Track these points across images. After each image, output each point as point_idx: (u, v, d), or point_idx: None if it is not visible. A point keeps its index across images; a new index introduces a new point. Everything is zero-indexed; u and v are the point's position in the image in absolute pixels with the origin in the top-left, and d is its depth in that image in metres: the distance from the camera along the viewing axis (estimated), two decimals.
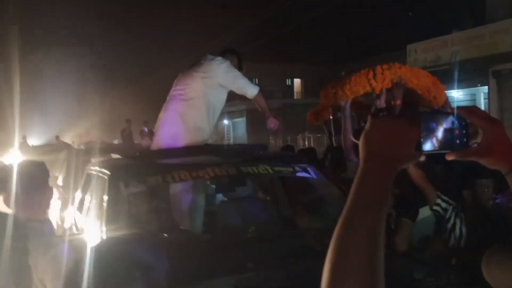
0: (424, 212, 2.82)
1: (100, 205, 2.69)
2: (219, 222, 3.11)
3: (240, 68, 3.74)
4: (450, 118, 0.95)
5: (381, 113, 2.88)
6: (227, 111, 34.36)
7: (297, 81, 38.28)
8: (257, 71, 36.43)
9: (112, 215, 2.48)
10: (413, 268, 2.45)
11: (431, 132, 0.94)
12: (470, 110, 0.95)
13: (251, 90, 3.53)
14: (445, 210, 2.64)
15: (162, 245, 2.59)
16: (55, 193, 6.66)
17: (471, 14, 17.17)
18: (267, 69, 35.28)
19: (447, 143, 0.94)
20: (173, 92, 3.41)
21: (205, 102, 3.35)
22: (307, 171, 3.06)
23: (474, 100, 19.23)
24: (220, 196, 3.39)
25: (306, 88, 37.71)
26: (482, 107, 18.57)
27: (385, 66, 3.21)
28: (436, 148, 0.94)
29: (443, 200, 2.63)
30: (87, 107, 30.93)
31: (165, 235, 2.65)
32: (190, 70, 3.45)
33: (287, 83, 38.16)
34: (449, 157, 0.92)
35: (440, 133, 0.95)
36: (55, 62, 29.57)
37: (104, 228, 2.42)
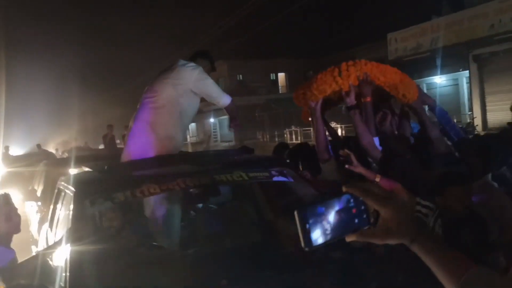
0: None
1: (66, 223, 2.55)
2: (193, 235, 2.98)
3: (213, 69, 3.62)
4: (345, 198, 0.89)
5: (352, 110, 2.75)
6: (214, 109, 34.18)
7: (281, 75, 38.15)
8: (241, 68, 36.27)
9: (76, 233, 2.33)
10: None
11: (320, 220, 0.87)
12: (364, 189, 0.92)
13: (223, 100, 3.43)
14: (426, 215, 2.54)
15: (131, 262, 2.46)
16: (34, 207, 6.50)
17: (449, 0, 17.22)
18: (251, 65, 35.13)
19: (344, 225, 0.88)
20: (143, 100, 3.27)
21: (176, 109, 3.23)
22: (284, 175, 2.95)
23: (457, 85, 19.33)
24: (195, 207, 3.27)
25: (290, 82, 37.60)
26: (465, 92, 18.68)
27: (350, 63, 3.12)
28: (329, 238, 0.87)
29: (423, 206, 2.52)
30: (70, 113, 30.60)
31: (132, 251, 2.52)
32: (160, 77, 3.32)
33: (272, 78, 38.02)
34: (349, 239, 0.91)
35: (332, 217, 0.88)
36: (36, 70, 29.13)
37: (67, 247, 2.28)
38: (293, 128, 29.14)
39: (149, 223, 2.95)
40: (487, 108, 15.67)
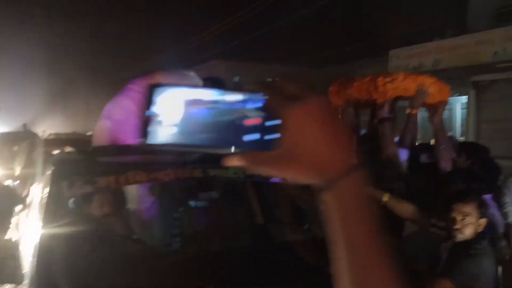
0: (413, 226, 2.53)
1: (41, 205, 2.29)
2: (180, 233, 2.74)
3: None
4: (251, 98, 0.56)
5: (384, 121, 2.42)
6: None
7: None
8: (238, 70, 36.03)
9: (49, 219, 2.08)
10: None
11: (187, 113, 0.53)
12: (273, 86, 0.56)
13: None
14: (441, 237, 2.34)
15: (108, 258, 2.21)
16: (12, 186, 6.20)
17: (452, 23, 17.24)
18: (248, 67, 34.84)
19: (225, 136, 0.54)
20: (130, 87, 3.04)
21: None
22: None
23: (451, 109, 19.35)
24: (185, 202, 3.02)
25: None
26: (458, 117, 18.69)
27: (387, 79, 3.02)
28: (184, 141, 0.53)
29: (440, 227, 2.31)
30: (63, 97, 30.02)
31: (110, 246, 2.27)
32: (159, 74, 3.09)
33: None
34: (226, 162, 0.57)
35: (209, 115, 0.54)
36: (29, 45, 28.54)
37: (38, 233, 2.03)
38: None
39: (132, 214, 2.71)
40: (482, 135, 15.65)
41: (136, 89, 3.01)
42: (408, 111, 3.14)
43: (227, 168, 2.56)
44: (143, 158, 2.63)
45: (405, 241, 2.55)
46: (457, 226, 2.09)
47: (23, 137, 10.71)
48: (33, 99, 29.00)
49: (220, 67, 33.80)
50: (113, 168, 2.40)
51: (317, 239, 2.71)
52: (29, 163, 6.38)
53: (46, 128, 25.02)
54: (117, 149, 2.79)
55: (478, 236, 2.07)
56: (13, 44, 28.38)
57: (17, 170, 6.63)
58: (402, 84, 3.01)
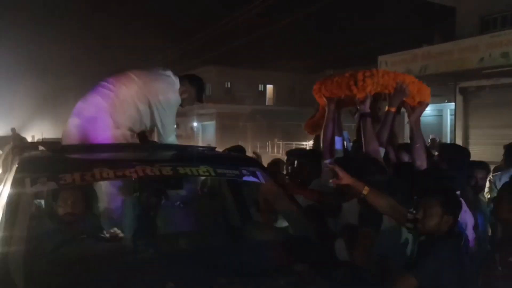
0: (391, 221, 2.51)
1: (3, 203, 2.23)
2: (147, 231, 2.69)
3: (199, 100, 3.34)
4: None
5: (364, 117, 2.57)
6: (197, 114, 33.82)
7: (269, 87, 38.10)
8: (229, 75, 36.05)
9: (10, 217, 2.03)
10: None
11: None
12: None
13: (171, 139, 3.18)
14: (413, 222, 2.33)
15: (71, 256, 2.16)
16: None
17: (441, 29, 17.40)
18: (240, 73, 34.93)
19: None
20: (102, 85, 3.01)
21: (130, 110, 3.00)
22: (255, 175, 2.68)
23: (441, 115, 19.46)
24: (153, 200, 2.97)
25: (278, 95, 37.56)
26: (448, 124, 18.80)
27: (367, 73, 3.02)
28: None
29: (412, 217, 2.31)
30: (52, 102, 29.79)
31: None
32: (133, 72, 3.08)
33: (260, 89, 37.91)
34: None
35: None
36: (18, 50, 28.37)
37: None
38: (276, 141, 28.97)
39: (98, 212, 2.66)
40: (470, 141, 15.74)
41: (107, 87, 2.97)
42: (386, 108, 3.12)
43: (197, 166, 2.52)
44: (111, 156, 2.59)
45: (381, 236, 2.53)
46: (419, 217, 2.08)
47: (9, 141, 10.61)
48: (22, 104, 28.76)
49: (213, 73, 33.84)
50: (78, 165, 2.34)
51: (292, 238, 2.68)
52: (6, 165, 6.32)
53: (35, 133, 24.79)
54: (84, 147, 2.75)
55: (446, 233, 2.06)
56: (2, 49, 28.15)
57: None
58: (382, 80, 3.00)
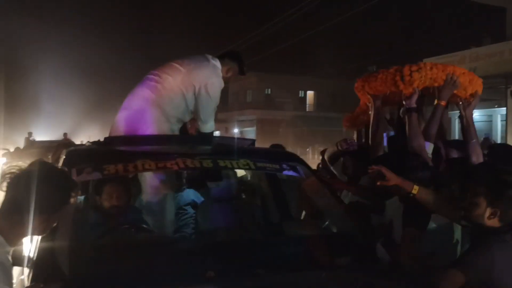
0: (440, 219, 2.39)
1: None
2: (189, 223, 2.70)
3: (241, 72, 3.36)
4: None
5: (410, 112, 2.48)
6: (237, 120, 34.13)
7: (310, 93, 37.90)
8: (269, 81, 36.18)
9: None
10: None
11: None
12: None
13: (207, 123, 3.16)
14: None
15: (114, 245, 2.20)
16: None
17: (489, 31, 16.70)
18: (280, 80, 34.99)
19: None
20: (148, 76, 3.08)
21: (177, 98, 3.04)
22: (296, 170, 2.65)
23: (491, 121, 18.62)
24: (195, 194, 2.98)
25: (318, 101, 37.28)
26: (499, 130, 17.93)
27: (414, 68, 2.86)
28: None
29: None
30: (101, 107, 30.96)
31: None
32: (177, 61, 3.12)
33: (300, 95, 37.79)
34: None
35: None
36: (70, 59, 29.71)
37: None
38: (317, 147, 28.70)
39: (140, 203, 2.70)
40: None
41: (153, 79, 3.04)
42: (435, 102, 2.95)
43: (238, 159, 2.52)
44: (153, 147, 2.63)
45: (429, 235, 2.41)
46: (465, 205, 1.96)
47: (59, 146, 11.13)
48: (74, 110, 30.03)
49: (253, 79, 34.11)
50: (121, 157, 2.40)
51: (332, 235, 2.62)
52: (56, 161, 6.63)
53: (83, 138, 25.82)
54: (127, 138, 2.80)
55: (498, 227, 1.92)
56: (56, 58, 29.58)
57: None
58: (430, 73, 2.84)
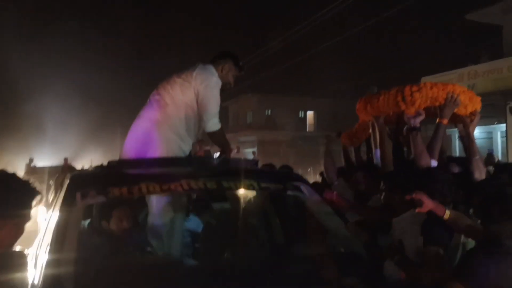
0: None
1: (54, 217, 2.30)
2: (194, 245, 2.68)
3: (239, 69, 3.37)
4: None
5: (414, 131, 2.50)
6: (238, 141, 34.11)
7: (310, 114, 38.03)
8: (269, 102, 36.37)
9: (61, 230, 2.08)
10: None
11: None
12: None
13: (211, 121, 3.14)
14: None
15: (118, 267, 2.18)
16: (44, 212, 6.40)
17: (487, 48, 16.87)
18: (280, 100, 35.16)
19: None
20: (151, 97, 3.11)
21: (180, 111, 3.06)
22: (299, 190, 2.64)
23: (491, 138, 18.60)
24: (198, 214, 2.97)
25: (319, 121, 37.39)
26: (499, 146, 17.90)
27: (414, 88, 2.92)
28: None
29: None
30: (102, 131, 31.06)
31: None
32: (173, 76, 3.17)
33: (300, 116, 37.92)
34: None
35: None
36: (68, 83, 29.94)
37: (48, 245, 2.02)
38: (317, 167, 28.64)
39: (148, 227, 2.68)
40: None
41: (156, 97, 3.08)
42: (437, 120, 2.98)
43: (241, 179, 2.51)
44: (157, 170, 2.63)
45: (450, 252, 2.37)
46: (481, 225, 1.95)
47: (59, 171, 11.14)
48: (74, 135, 30.09)
49: (253, 100, 34.30)
50: (126, 180, 2.40)
51: (339, 254, 2.59)
52: (55, 191, 6.61)
53: (85, 163, 25.76)
54: (131, 162, 2.81)
55: (498, 241, 1.90)
56: (58, 83, 29.81)
57: (50, 198, 6.87)
58: (431, 93, 2.89)
